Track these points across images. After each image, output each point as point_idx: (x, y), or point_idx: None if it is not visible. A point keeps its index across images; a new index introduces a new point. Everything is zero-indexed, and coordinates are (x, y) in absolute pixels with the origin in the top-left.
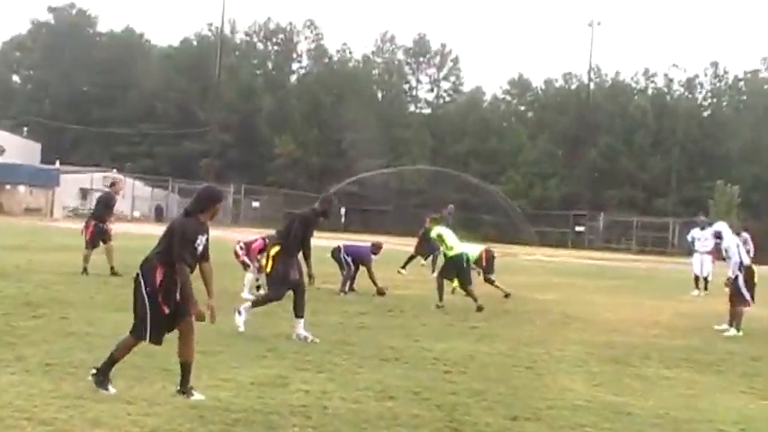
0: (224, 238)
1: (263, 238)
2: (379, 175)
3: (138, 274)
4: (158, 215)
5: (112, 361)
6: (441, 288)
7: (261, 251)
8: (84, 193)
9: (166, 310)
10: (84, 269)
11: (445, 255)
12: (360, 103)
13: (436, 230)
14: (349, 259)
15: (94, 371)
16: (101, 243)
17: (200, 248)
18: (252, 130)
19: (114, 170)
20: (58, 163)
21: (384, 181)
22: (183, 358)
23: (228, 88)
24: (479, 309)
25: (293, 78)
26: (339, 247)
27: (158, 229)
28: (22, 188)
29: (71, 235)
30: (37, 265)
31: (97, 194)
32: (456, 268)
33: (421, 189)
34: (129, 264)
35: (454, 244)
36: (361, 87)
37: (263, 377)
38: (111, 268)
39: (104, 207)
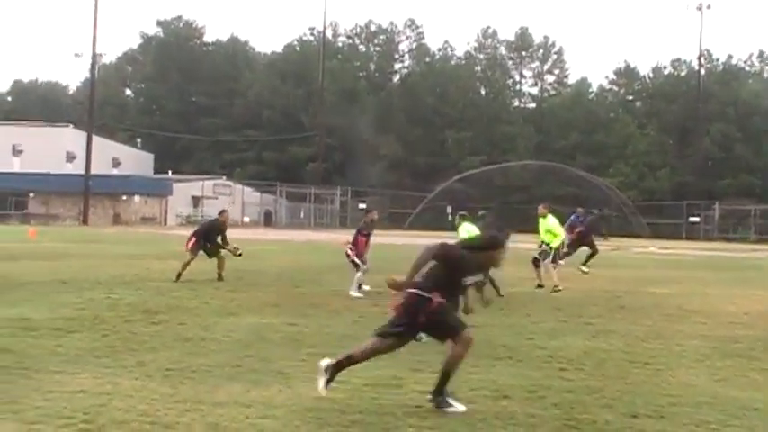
0: (334, 240)
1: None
2: (484, 172)
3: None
4: (267, 220)
5: (444, 378)
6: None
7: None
8: (196, 201)
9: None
10: (178, 275)
11: None
12: (463, 101)
13: (465, 229)
14: None
15: (430, 397)
16: (208, 255)
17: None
18: (356, 133)
19: (224, 177)
20: (170, 172)
21: (489, 178)
22: (447, 366)
23: (332, 92)
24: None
25: (395, 79)
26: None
27: (268, 234)
28: (137, 198)
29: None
30: (154, 273)
31: (207, 201)
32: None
33: (527, 185)
34: (241, 268)
35: None
36: (464, 85)
37: (378, 378)
38: (219, 275)
39: (211, 232)
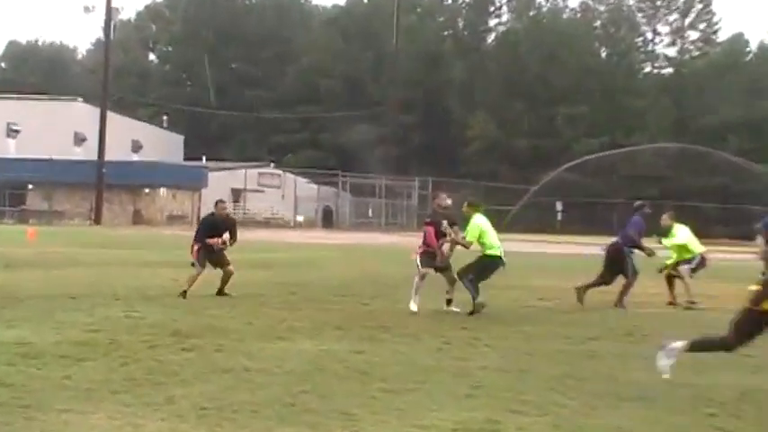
0: (411, 244)
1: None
2: (604, 158)
3: None
4: (326, 219)
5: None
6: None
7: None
8: (237, 195)
9: None
10: (184, 292)
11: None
12: (577, 67)
13: (475, 223)
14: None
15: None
16: (215, 266)
17: None
18: (439, 108)
19: (272, 164)
20: (204, 159)
21: (611, 165)
22: None
23: (409, 56)
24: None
25: (490, 39)
26: (617, 243)
27: (328, 237)
28: (163, 191)
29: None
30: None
31: (251, 195)
32: (492, 269)
33: (661, 175)
34: (293, 281)
35: (495, 242)
36: (579, 46)
37: (469, 421)
38: (220, 289)
39: (208, 230)
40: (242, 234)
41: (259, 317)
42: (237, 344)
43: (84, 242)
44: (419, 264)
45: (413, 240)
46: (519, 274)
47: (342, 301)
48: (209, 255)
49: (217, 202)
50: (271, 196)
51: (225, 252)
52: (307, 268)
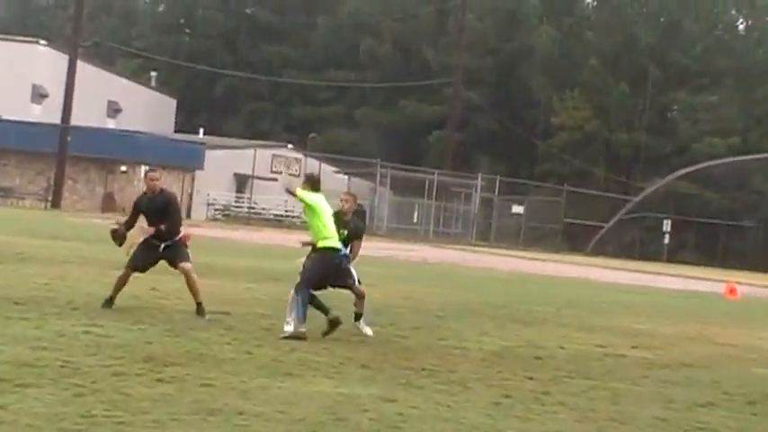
0: (468, 262)
1: None
2: (734, 165)
3: None
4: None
5: None
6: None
7: None
8: (242, 182)
9: None
10: (109, 299)
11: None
12: (704, 41)
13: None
14: None
15: None
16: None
17: None
18: (515, 86)
19: (289, 145)
20: (202, 131)
21: (742, 176)
22: None
23: (479, 14)
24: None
25: None
26: None
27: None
28: (144, 171)
29: (221, 248)
30: (165, 297)
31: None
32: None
33: None
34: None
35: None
36: (709, 13)
37: None
38: (198, 305)
39: (155, 216)
40: (246, 234)
41: (262, 344)
42: (231, 378)
43: (37, 231)
44: None
45: (471, 257)
46: (607, 311)
47: (372, 331)
48: (147, 251)
49: (148, 171)
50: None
51: (178, 243)
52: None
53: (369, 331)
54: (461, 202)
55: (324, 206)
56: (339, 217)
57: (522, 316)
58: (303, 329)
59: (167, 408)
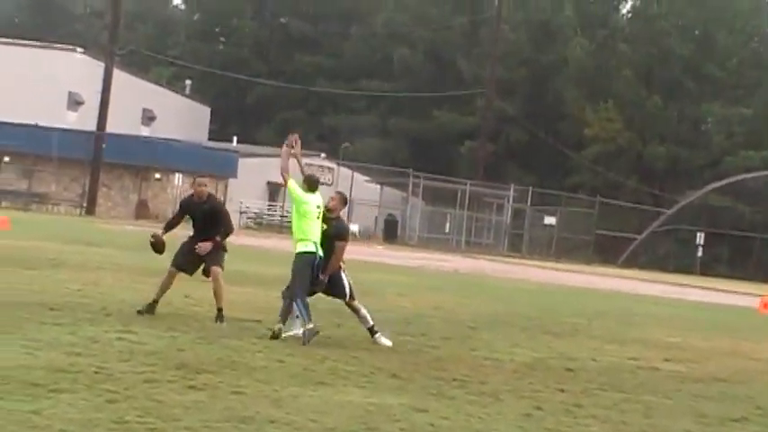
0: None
1: None
2: (765, 177)
3: None
4: (389, 231)
5: None
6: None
7: None
8: (274, 191)
9: None
10: (151, 305)
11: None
12: (740, 53)
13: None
14: None
15: None
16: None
17: None
18: (549, 97)
19: (322, 154)
20: (235, 140)
21: None
22: None
23: (515, 25)
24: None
25: (624, 10)
26: None
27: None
28: (178, 178)
29: (254, 256)
30: (198, 304)
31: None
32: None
33: None
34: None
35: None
36: (745, 24)
37: None
38: (219, 311)
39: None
40: (278, 242)
41: (294, 353)
42: (262, 386)
43: (72, 237)
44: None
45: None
46: (640, 324)
47: (403, 340)
48: (190, 252)
49: (195, 178)
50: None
51: (217, 247)
52: (360, 294)
53: (387, 342)
54: (493, 212)
55: (310, 208)
56: (323, 213)
57: (554, 327)
58: (311, 326)
59: (199, 415)
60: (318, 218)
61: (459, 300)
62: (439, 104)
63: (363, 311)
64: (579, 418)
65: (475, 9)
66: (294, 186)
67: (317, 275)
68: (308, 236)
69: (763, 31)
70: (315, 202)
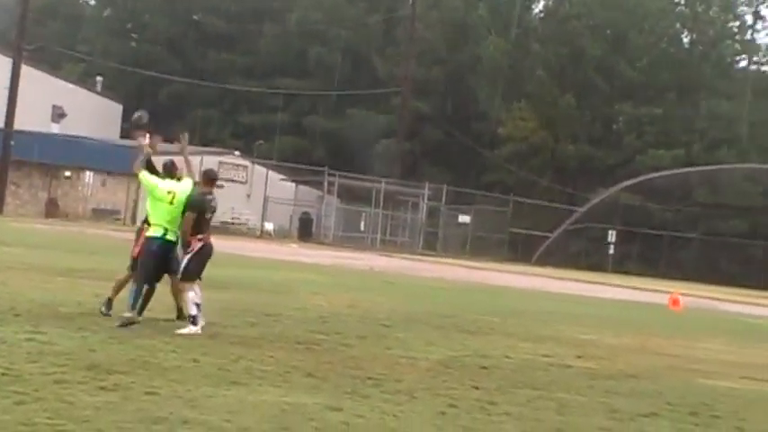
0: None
1: None
2: (677, 177)
3: None
4: (304, 229)
5: None
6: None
7: None
8: None
9: None
10: (106, 303)
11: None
12: (650, 54)
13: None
14: None
15: None
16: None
17: None
18: (463, 96)
19: (236, 152)
20: (147, 137)
21: (685, 188)
22: None
23: (429, 24)
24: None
25: (536, 10)
26: None
27: (305, 254)
28: (89, 176)
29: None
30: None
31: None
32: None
33: (753, 205)
34: (255, 308)
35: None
36: (654, 27)
37: None
38: (178, 311)
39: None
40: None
41: (208, 353)
42: (176, 386)
43: None
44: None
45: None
46: (553, 321)
47: (318, 339)
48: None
49: (167, 164)
50: (233, 194)
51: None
52: (274, 293)
53: (185, 330)
54: (408, 210)
55: (162, 194)
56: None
57: (469, 325)
58: (130, 315)
59: (111, 416)
60: (172, 203)
61: (374, 298)
62: (354, 103)
63: (190, 297)
64: (493, 416)
65: (390, 8)
66: (144, 174)
67: (170, 257)
68: (156, 221)
69: (673, 31)
70: (166, 188)
